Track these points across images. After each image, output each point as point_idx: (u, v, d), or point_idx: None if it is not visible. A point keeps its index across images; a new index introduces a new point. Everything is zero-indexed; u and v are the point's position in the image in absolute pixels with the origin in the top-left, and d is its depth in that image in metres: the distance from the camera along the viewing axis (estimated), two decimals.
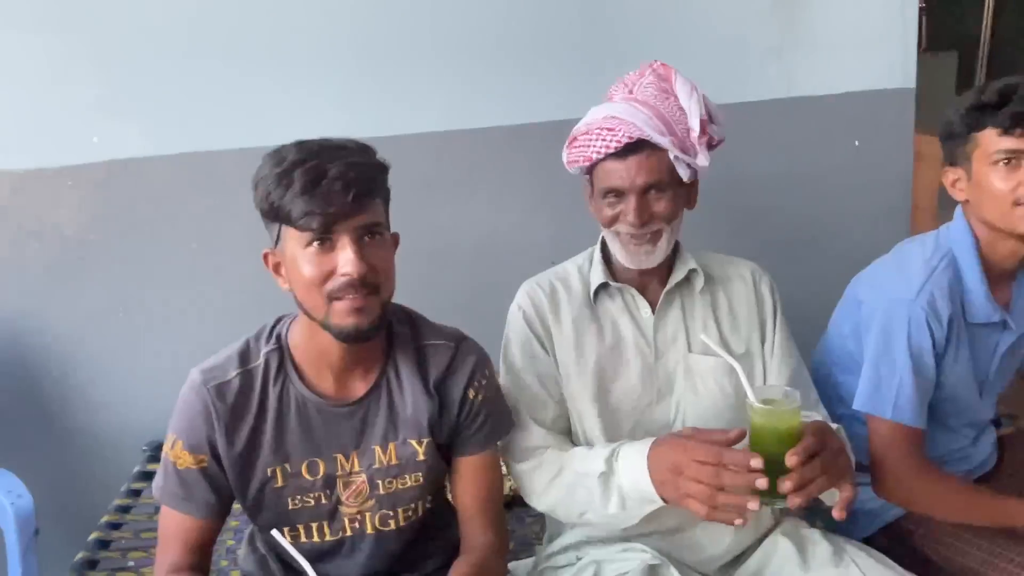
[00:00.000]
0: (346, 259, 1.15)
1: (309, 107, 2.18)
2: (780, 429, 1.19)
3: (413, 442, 1.30)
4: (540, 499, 1.43)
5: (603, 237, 1.52)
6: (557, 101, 2.24)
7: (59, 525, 1.99)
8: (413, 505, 1.33)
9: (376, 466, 1.29)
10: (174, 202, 2.18)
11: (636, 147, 1.37)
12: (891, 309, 1.52)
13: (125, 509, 1.98)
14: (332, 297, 1.17)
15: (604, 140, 1.38)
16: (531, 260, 2.29)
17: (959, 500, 1.52)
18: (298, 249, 1.17)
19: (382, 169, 1.23)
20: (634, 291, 1.49)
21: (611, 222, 1.43)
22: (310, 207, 1.13)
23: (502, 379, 1.48)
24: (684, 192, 1.45)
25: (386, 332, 1.31)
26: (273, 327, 1.31)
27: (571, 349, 1.47)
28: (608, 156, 1.39)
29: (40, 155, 2.11)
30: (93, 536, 1.86)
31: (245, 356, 1.27)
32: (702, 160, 1.42)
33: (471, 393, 1.32)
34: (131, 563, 1.80)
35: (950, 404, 1.60)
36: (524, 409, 1.45)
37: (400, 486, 1.31)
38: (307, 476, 1.27)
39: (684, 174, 1.41)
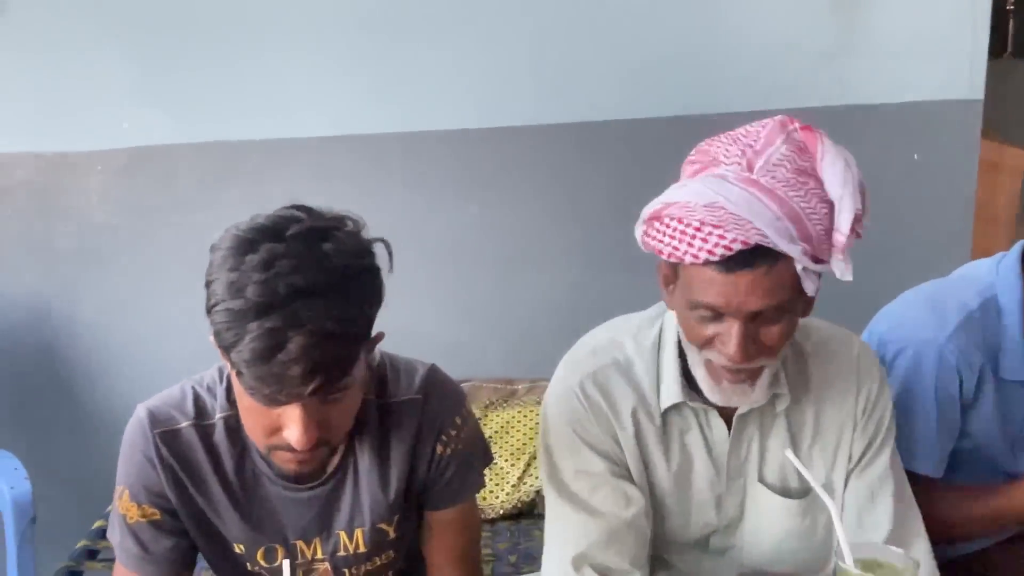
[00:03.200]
0: (292, 430, 0.94)
1: (337, 100, 2.14)
2: None
3: (383, 525, 1.14)
4: None
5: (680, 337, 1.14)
6: (591, 101, 2.16)
7: (68, 511, 1.99)
8: (386, 574, 1.21)
9: (341, 554, 1.14)
10: (199, 190, 2.16)
11: (751, 257, 0.97)
12: (919, 350, 1.39)
13: None
14: (274, 448, 0.99)
15: (706, 242, 0.97)
16: (555, 267, 2.25)
17: (978, 507, 1.40)
18: (242, 391, 0.95)
19: (368, 320, 0.96)
20: (710, 410, 1.15)
21: (703, 344, 1.06)
22: (258, 384, 0.90)
23: (549, 499, 1.18)
24: (803, 307, 1.07)
25: None
26: (229, 387, 1.08)
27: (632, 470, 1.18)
28: (709, 263, 1.00)
29: (70, 139, 2.12)
30: (96, 525, 1.85)
31: (200, 409, 1.08)
32: (842, 272, 1.01)
33: (439, 448, 1.13)
34: None
35: (980, 455, 1.46)
36: (583, 530, 1.13)
37: (369, 568, 1.17)
38: (263, 563, 1.12)
39: (810, 288, 1.01)
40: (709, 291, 1.00)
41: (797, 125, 1.03)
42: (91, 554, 1.78)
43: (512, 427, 2.05)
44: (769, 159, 0.99)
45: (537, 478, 1.95)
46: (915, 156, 2.29)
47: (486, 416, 2.06)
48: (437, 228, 2.21)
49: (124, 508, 1.08)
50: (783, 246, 0.97)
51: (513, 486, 1.95)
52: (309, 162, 2.16)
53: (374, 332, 1.02)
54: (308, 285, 0.88)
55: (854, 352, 1.19)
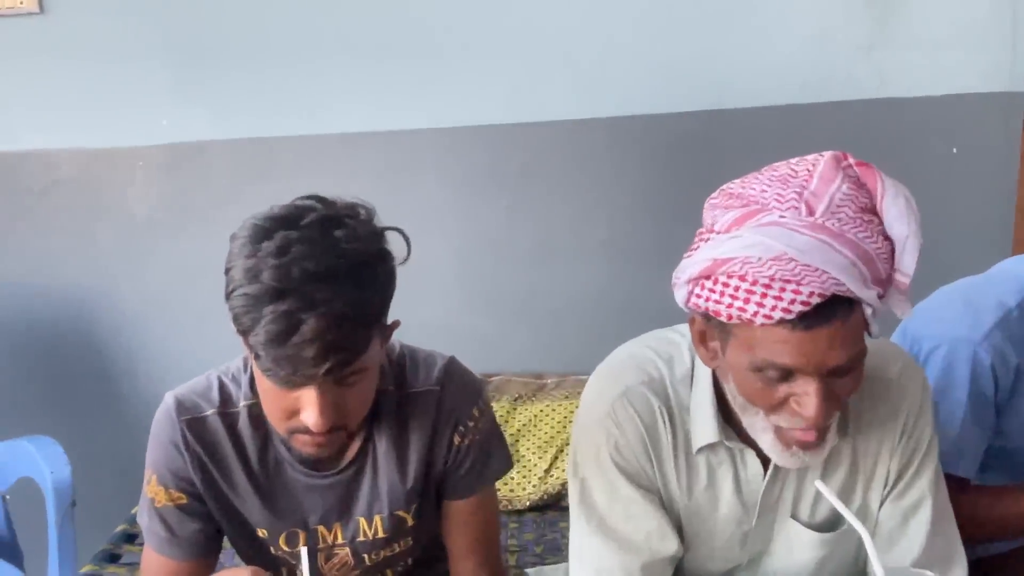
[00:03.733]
0: (309, 412, 0.97)
1: (369, 96, 2.17)
2: None
3: (401, 512, 1.17)
4: None
5: (714, 377, 1.06)
6: (623, 96, 2.15)
7: (106, 496, 2.05)
8: (403, 563, 1.24)
9: (361, 539, 1.17)
10: (234, 186, 2.21)
11: (827, 309, 0.89)
12: (954, 348, 1.36)
13: None
14: (292, 431, 1.02)
15: (780, 299, 0.88)
16: (585, 262, 2.25)
17: (1013, 507, 1.36)
18: (260, 374, 0.99)
19: (381, 304, 0.99)
20: (746, 449, 1.07)
21: (774, 408, 0.96)
22: (274, 366, 0.93)
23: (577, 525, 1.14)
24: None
25: None
26: (252, 376, 1.11)
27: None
28: (784, 321, 0.89)
29: (112, 135, 2.19)
30: (134, 511, 1.90)
31: (225, 397, 1.12)
32: (903, 310, 0.95)
33: (456, 439, 1.16)
34: None
35: (1014, 454, 1.43)
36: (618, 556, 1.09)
37: (388, 554, 1.20)
38: (285, 547, 1.16)
39: (875, 331, 0.96)
40: (783, 351, 0.90)
41: (852, 160, 0.94)
42: (129, 538, 1.83)
43: (540, 420, 2.06)
44: (832, 200, 0.90)
45: (563, 471, 1.96)
46: (954, 150, 2.25)
47: (514, 409, 2.07)
48: (468, 223, 2.23)
49: (152, 492, 1.12)
50: (860, 292, 0.89)
51: (540, 478, 1.96)
52: (341, 158, 2.19)
53: (390, 319, 1.05)
54: (321, 270, 0.91)
55: (894, 372, 1.11)
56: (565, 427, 2.03)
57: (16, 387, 2.21)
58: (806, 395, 0.92)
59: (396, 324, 1.07)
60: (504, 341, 2.27)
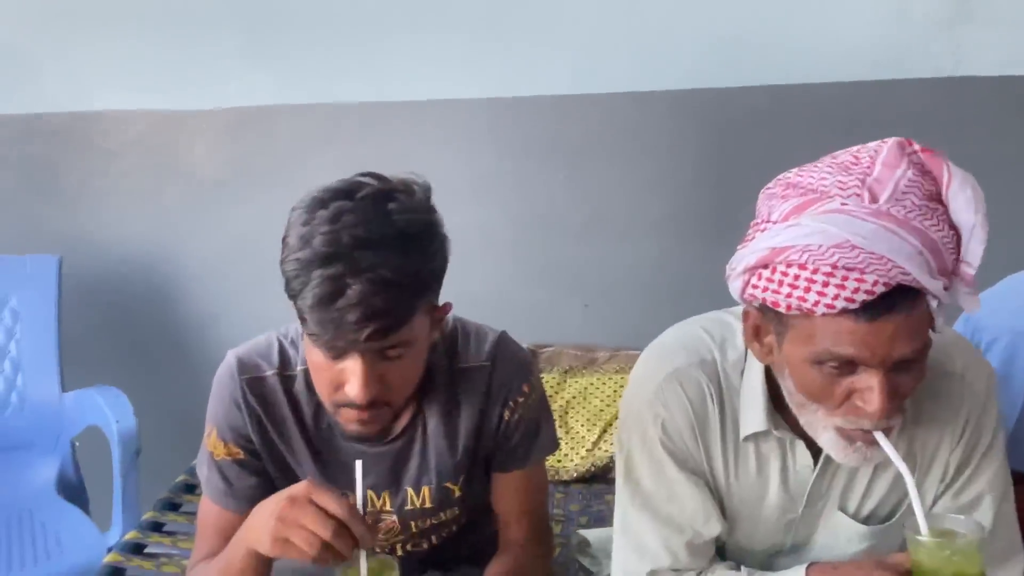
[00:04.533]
0: (353, 383, 0.99)
1: (432, 65, 2.17)
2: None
3: (449, 484, 1.19)
4: None
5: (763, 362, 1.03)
6: (687, 68, 2.11)
7: (168, 448, 2.12)
8: (448, 530, 1.27)
9: (408, 508, 1.19)
10: (300, 151, 2.24)
11: (892, 299, 0.86)
12: (1014, 341, 1.32)
13: None
14: (338, 404, 1.04)
15: (843, 288, 0.85)
16: (641, 237, 2.23)
17: None
18: (308, 341, 1.02)
19: (428, 276, 1.00)
20: (796, 440, 1.06)
21: (837, 403, 0.93)
22: (319, 329, 0.95)
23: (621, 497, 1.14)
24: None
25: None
26: None
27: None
28: (847, 311, 0.87)
29: (181, 98, 2.24)
30: (195, 463, 1.97)
31: (284, 359, 1.14)
32: (971, 305, 0.92)
33: (507, 414, 1.18)
34: None
35: None
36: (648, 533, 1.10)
37: (434, 522, 1.22)
38: None
39: (939, 324, 0.93)
40: (846, 342, 0.87)
41: (917, 147, 0.90)
42: (189, 488, 1.90)
43: (590, 393, 2.07)
44: (897, 187, 0.87)
45: (612, 444, 1.97)
46: None
47: (565, 381, 2.08)
48: (525, 194, 2.23)
49: (212, 445, 1.16)
50: (925, 282, 0.86)
51: (588, 450, 1.97)
52: (403, 125, 2.21)
53: (442, 301, 1.07)
54: (370, 237, 0.94)
55: (959, 367, 1.06)
56: (615, 400, 2.03)
57: (86, 340, 2.29)
58: (869, 390, 0.89)
59: (448, 307, 1.09)
60: (557, 313, 2.28)
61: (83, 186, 2.30)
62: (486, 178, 2.20)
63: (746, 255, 0.93)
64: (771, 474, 1.09)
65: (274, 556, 0.97)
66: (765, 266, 0.91)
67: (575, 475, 1.96)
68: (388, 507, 1.19)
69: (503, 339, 1.20)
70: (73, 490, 2.05)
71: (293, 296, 0.97)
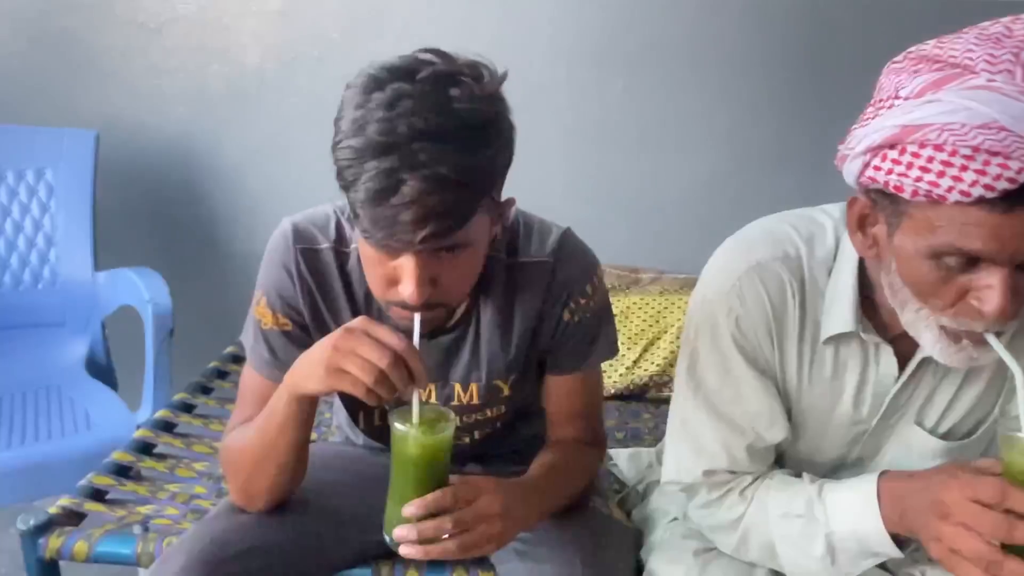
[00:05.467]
0: (406, 283, 0.92)
1: None
2: None
3: (499, 382, 1.15)
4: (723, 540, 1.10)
5: (861, 258, 0.97)
6: None
7: (203, 333, 2.10)
8: (491, 427, 1.23)
9: (454, 403, 1.15)
10: (349, 40, 2.16)
11: None
12: None
13: None
14: (391, 303, 0.98)
15: (983, 173, 0.77)
16: (699, 154, 2.13)
17: None
18: (362, 238, 0.95)
19: (490, 174, 0.91)
20: (883, 345, 0.99)
21: (942, 304, 0.86)
22: (372, 226, 0.88)
23: (682, 395, 1.09)
24: None
25: None
26: None
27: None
28: (982, 200, 0.78)
29: None
30: (228, 351, 1.95)
31: (340, 235, 1.09)
32: None
33: (567, 315, 1.11)
34: None
35: None
36: (708, 434, 1.06)
37: (480, 418, 1.19)
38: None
39: None
40: (974, 235, 0.79)
41: None
42: (221, 374, 1.87)
43: (632, 312, 2.01)
44: None
45: (653, 363, 1.92)
46: None
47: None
48: (578, 102, 2.14)
49: (260, 313, 1.11)
50: None
51: (628, 368, 1.92)
52: (456, 18, 2.11)
53: (504, 197, 1.00)
54: (429, 128, 0.85)
55: None
56: (657, 321, 1.98)
57: (120, 222, 2.25)
58: (989, 288, 0.81)
59: (511, 202, 1.01)
60: (603, 231, 2.12)
61: (123, 63, 2.22)
62: (539, 82, 2.10)
63: (869, 133, 0.84)
64: (847, 381, 1.03)
65: (325, 389, 0.93)
66: (892, 146, 0.82)
67: (612, 392, 1.92)
68: (433, 400, 1.15)
69: (568, 235, 1.13)
70: (101, 370, 2.03)
71: (345, 187, 0.90)
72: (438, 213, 0.86)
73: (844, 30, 2.03)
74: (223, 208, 2.31)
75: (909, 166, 0.81)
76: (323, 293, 1.09)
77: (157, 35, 2.20)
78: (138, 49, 2.21)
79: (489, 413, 1.19)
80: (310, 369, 0.93)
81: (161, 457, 1.55)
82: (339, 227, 1.10)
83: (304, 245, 1.08)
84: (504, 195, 1.00)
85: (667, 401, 1.88)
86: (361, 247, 0.98)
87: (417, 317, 0.94)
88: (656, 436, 1.76)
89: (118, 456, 1.50)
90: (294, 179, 2.25)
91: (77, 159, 2.04)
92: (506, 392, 1.17)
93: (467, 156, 0.87)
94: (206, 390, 1.79)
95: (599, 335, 1.16)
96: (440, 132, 0.85)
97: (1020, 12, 0.83)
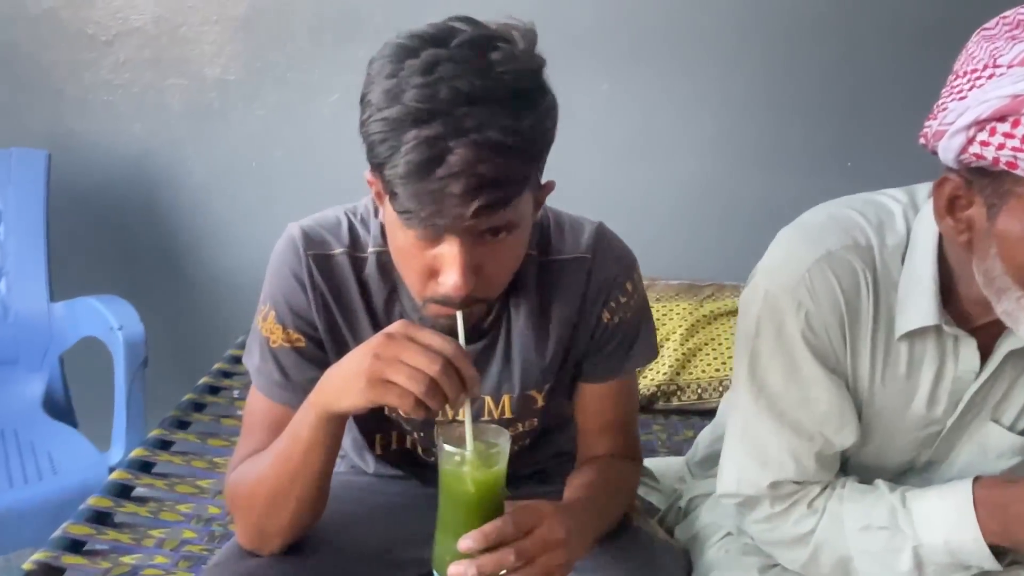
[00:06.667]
0: (449, 273, 0.83)
1: None
2: None
3: (532, 392, 1.05)
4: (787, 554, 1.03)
5: (939, 245, 0.90)
6: None
7: (172, 365, 1.95)
8: (520, 444, 1.13)
9: (484, 418, 1.05)
10: (316, 48, 2.04)
11: None
12: None
13: (238, 360, 1.91)
14: (429, 299, 0.89)
15: None
16: (688, 158, 2.07)
17: None
18: (397, 224, 0.85)
19: (538, 139, 0.82)
20: (965, 338, 0.92)
21: None
22: (413, 205, 0.79)
23: (742, 399, 1.00)
24: None
25: None
26: (383, 223, 1.00)
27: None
28: None
29: None
30: (203, 381, 1.81)
31: (354, 238, 0.99)
32: None
33: (606, 316, 1.03)
34: (237, 412, 1.73)
35: None
36: (774, 438, 0.97)
37: (512, 434, 1.06)
38: (402, 414, 1.05)
39: None
40: None
41: None
42: (198, 407, 1.73)
43: None
44: None
45: (659, 372, 1.84)
46: None
47: None
48: (561, 106, 2.05)
49: (268, 330, 0.99)
50: None
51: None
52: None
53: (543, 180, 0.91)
54: (473, 91, 0.77)
55: None
56: (657, 328, 1.89)
57: (75, 248, 2.10)
58: None
59: (551, 185, 0.93)
60: None
61: (72, 80, 2.07)
62: None
63: (971, 106, 0.77)
64: (922, 379, 0.95)
65: (365, 405, 0.81)
66: (1003, 118, 0.75)
67: None
68: (462, 416, 1.04)
69: (603, 229, 1.05)
70: (60, 409, 1.86)
71: (380, 165, 0.80)
72: (490, 182, 0.78)
73: (830, 32, 2.00)
74: (186, 230, 2.16)
75: None
76: (339, 303, 0.99)
77: (109, 48, 2.06)
78: (89, 63, 2.07)
79: (521, 427, 1.09)
80: (345, 383, 0.82)
81: (142, 500, 1.40)
82: (352, 230, 1.00)
83: (316, 251, 0.98)
84: None
85: (678, 411, 1.85)
86: (394, 236, 0.88)
87: (460, 316, 0.84)
88: (670, 447, 1.68)
89: (94, 502, 1.35)
90: (262, 197, 2.13)
91: (27, 182, 1.88)
92: (540, 403, 1.07)
93: (516, 120, 0.78)
94: (183, 424, 1.65)
95: (638, 337, 1.08)
96: (486, 95, 0.77)
97: None
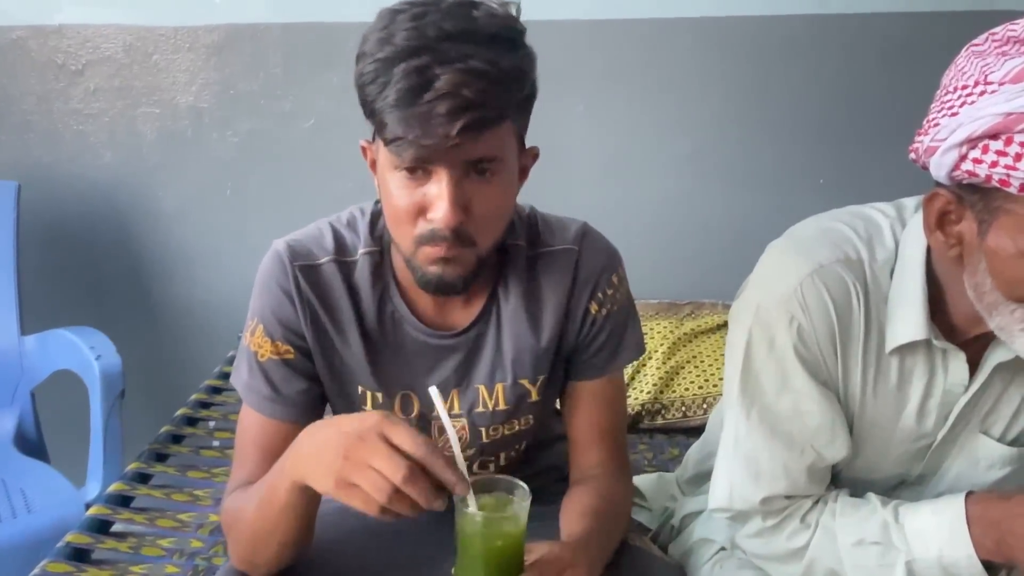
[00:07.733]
0: (438, 205, 0.87)
1: None
2: None
3: (525, 382, 1.06)
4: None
5: (927, 259, 0.91)
6: None
7: (147, 398, 1.92)
8: (518, 446, 1.13)
9: (479, 410, 1.06)
10: (290, 74, 2.04)
11: None
12: None
13: (216, 390, 1.88)
14: (420, 240, 0.91)
15: None
16: (663, 177, 2.11)
17: None
18: (388, 167, 0.90)
19: (518, 77, 0.87)
20: (954, 352, 0.93)
21: None
22: (403, 130, 0.83)
23: (735, 412, 1.00)
24: None
25: (499, 247, 1.04)
26: (372, 222, 1.03)
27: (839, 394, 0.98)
28: None
29: (159, 13, 2.01)
30: (180, 412, 1.77)
31: (340, 245, 1.02)
32: None
33: (594, 307, 1.05)
34: (216, 443, 1.70)
35: None
36: (770, 451, 0.97)
37: (507, 431, 1.09)
38: (399, 412, 1.05)
39: None
40: None
41: None
42: (176, 439, 1.69)
43: None
44: None
45: (642, 391, 1.83)
46: None
47: None
48: (539, 127, 2.05)
49: (256, 344, 1.00)
50: None
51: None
52: None
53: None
54: (459, 31, 0.84)
55: None
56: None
57: (46, 280, 2.06)
58: None
59: (536, 151, 0.99)
60: None
61: (41, 109, 2.04)
62: None
63: (964, 123, 0.77)
64: (912, 393, 0.96)
65: (336, 499, 0.80)
66: (995, 136, 0.75)
67: None
68: (457, 409, 1.06)
69: (588, 226, 1.08)
70: (32, 445, 1.82)
71: (370, 103, 0.86)
72: (474, 104, 0.83)
73: (799, 54, 2.05)
74: (159, 260, 2.14)
75: (1018, 157, 0.74)
76: (328, 312, 1.00)
77: (80, 77, 2.04)
78: (58, 92, 2.04)
79: (517, 425, 1.09)
80: (317, 468, 0.81)
81: (121, 536, 1.37)
82: (338, 237, 1.03)
83: (303, 262, 1.00)
84: None
85: (663, 430, 1.85)
86: (385, 181, 0.91)
87: (435, 392, 0.84)
88: (656, 466, 1.67)
89: (72, 538, 1.31)
90: (237, 225, 2.11)
91: None
92: (534, 397, 1.08)
93: (497, 56, 0.85)
94: (161, 457, 1.61)
95: (626, 331, 1.09)
96: (470, 33, 0.85)
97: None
